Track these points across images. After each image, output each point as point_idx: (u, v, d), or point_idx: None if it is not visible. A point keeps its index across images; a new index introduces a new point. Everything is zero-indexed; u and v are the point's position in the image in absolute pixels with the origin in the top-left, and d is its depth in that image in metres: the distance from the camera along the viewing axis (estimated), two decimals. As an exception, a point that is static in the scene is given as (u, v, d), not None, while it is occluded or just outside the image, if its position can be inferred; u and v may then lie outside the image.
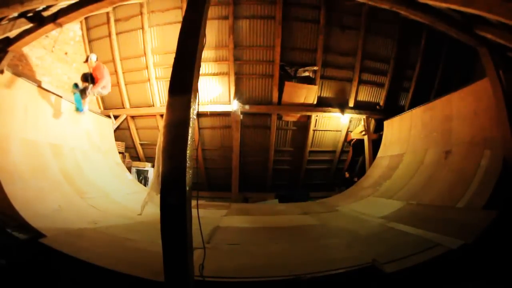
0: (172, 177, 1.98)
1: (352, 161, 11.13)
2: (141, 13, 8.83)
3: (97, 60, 6.32)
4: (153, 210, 5.75)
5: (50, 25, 4.60)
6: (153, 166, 9.11)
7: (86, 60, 6.30)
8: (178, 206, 1.92)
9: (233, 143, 9.63)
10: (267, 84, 9.48)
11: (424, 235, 3.59)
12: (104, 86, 6.29)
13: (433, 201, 5.09)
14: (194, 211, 2.10)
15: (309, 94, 9.43)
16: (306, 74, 9.22)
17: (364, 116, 9.97)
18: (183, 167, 1.94)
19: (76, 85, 6.32)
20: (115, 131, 9.75)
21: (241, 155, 9.89)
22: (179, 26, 2.39)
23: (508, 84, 4.50)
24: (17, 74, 5.42)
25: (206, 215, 5.33)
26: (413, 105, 8.72)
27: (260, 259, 3.17)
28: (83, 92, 6.18)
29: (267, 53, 9.09)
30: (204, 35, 2.37)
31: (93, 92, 6.25)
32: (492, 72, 4.60)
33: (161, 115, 9.80)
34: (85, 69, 9.16)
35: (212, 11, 8.29)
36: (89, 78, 6.21)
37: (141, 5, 8.69)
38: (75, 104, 6.39)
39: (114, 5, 7.03)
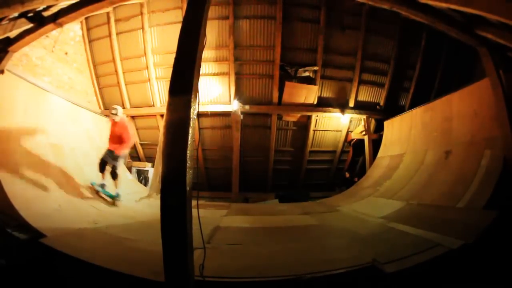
0: (173, 177, 1.98)
1: (352, 161, 11.12)
2: (141, 13, 8.84)
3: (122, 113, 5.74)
4: (153, 210, 5.76)
5: (51, 25, 4.59)
6: (153, 166, 9.12)
7: (112, 114, 5.52)
8: (178, 206, 1.92)
9: (233, 143, 9.62)
10: (267, 84, 9.49)
11: (424, 235, 3.59)
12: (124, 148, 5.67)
13: (434, 201, 5.08)
14: (194, 211, 2.10)
15: (309, 94, 9.43)
16: (306, 74, 9.23)
17: (364, 116, 9.97)
18: (183, 167, 1.93)
19: (94, 183, 5.67)
20: (115, 131, 9.73)
21: (241, 155, 9.89)
22: (179, 26, 2.39)
23: (508, 84, 4.49)
24: (18, 74, 5.42)
25: (206, 215, 5.32)
26: (413, 105, 8.71)
27: (260, 259, 3.17)
28: (113, 174, 5.56)
29: (267, 53, 9.09)
30: (205, 35, 2.37)
31: (120, 165, 5.65)
32: (492, 72, 4.60)
33: (161, 115, 9.83)
34: (86, 68, 9.23)
35: (212, 11, 8.29)
36: (109, 157, 5.57)
37: (141, 5, 8.70)
38: (108, 198, 5.63)
39: (114, 5, 7.02)
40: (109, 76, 9.89)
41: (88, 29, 9.43)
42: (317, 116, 10.00)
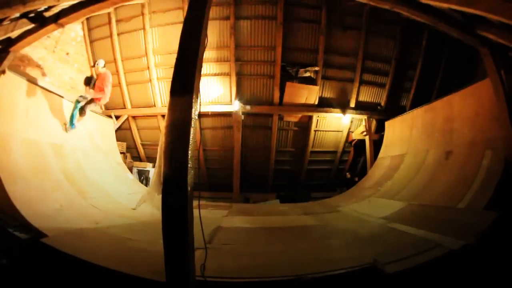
0: (174, 178, 1.98)
1: (353, 161, 11.12)
2: (143, 14, 8.84)
3: (104, 66, 6.24)
4: (154, 210, 5.77)
5: (52, 26, 4.61)
6: (154, 166, 9.13)
7: (94, 65, 6.31)
8: (180, 206, 1.92)
9: (234, 143, 9.64)
10: (269, 84, 9.48)
11: (425, 235, 3.59)
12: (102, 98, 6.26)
13: (434, 201, 5.08)
14: (195, 211, 2.10)
15: (310, 94, 9.43)
16: (308, 74, 9.22)
17: (365, 117, 9.95)
18: (184, 168, 1.94)
19: (81, 96, 6.15)
20: (116, 131, 9.77)
21: (242, 156, 9.89)
22: (180, 26, 2.40)
23: (510, 85, 4.48)
24: (19, 74, 5.44)
25: (207, 215, 5.34)
26: (414, 105, 8.71)
27: (261, 259, 3.17)
28: (82, 109, 6.08)
29: (269, 53, 9.09)
30: (206, 35, 2.37)
31: (94, 106, 6.28)
32: (493, 73, 4.59)
33: (163, 116, 9.83)
34: (87, 68, 9.26)
35: (213, 12, 8.29)
36: (92, 83, 6.18)
37: (142, 5, 8.71)
38: (69, 118, 6.14)
39: (116, 6, 7.03)
40: (110, 77, 9.89)
41: (90, 30, 9.43)
42: (318, 116, 9.99)
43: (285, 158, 10.71)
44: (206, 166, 10.60)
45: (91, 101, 6.12)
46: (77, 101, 6.08)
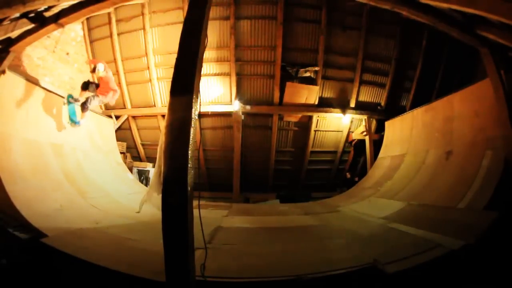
0: (174, 178, 1.98)
1: (353, 161, 11.11)
2: (143, 14, 8.84)
3: (105, 69, 6.14)
4: (154, 210, 5.77)
5: (52, 26, 4.61)
6: (154, 166, 9.14)
7: (93, 70, 6.16)
8: (180, 206, 1.92)
9: (234, 143, 9.64)
10: (269, 84, 9.48)
11: (425, 235, 3.59)
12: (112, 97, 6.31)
13: (434, 201, 5.08)
14: (195, 211, 2.10)
15: (310, 94, 9.43)
16: (308, 74, 9.22)
17: (365, 117, 9.95)
18: (184, 168, 1.94)
19: (70, 96, 6.20)
20: (116, 131, 9.78)
21: (242, 156, 9.89)
22: (180, 26, 2.40)
23: (509, 85, 4.49)
24: (19, 74, 5.44)
25: (207, 215, 5.34)
26: (414, 105, 8.71)
27: (261, 260, 3.17)
28: (84, 104, 6.05)
29: (269, 53, 9.09)
30: (206, 35, 2.38)
31: (98, 102, 6.25)
32: (493, 73, 4.59)
33: (163, 116, 9.82)
34: (87, 68, 9.26)
35: (213, 12, 8.29)
36: (93, 87, 6.12)
37: (142, 5, 8.70)
38: (68, 116, 6.23)
39: (116, 6, 7.01)
40: (110, 77, 9.89)
41: (90, 30, 9.43)
42: (318, 116, 9.98)
43: (285, 158, 10.71)
44: (206, 166, 10.60)
45: (95, 97, 6.10)
46: (69, 102, 6.15)
